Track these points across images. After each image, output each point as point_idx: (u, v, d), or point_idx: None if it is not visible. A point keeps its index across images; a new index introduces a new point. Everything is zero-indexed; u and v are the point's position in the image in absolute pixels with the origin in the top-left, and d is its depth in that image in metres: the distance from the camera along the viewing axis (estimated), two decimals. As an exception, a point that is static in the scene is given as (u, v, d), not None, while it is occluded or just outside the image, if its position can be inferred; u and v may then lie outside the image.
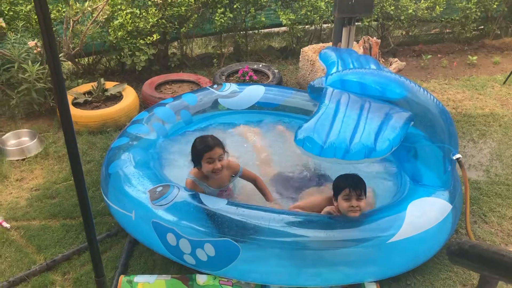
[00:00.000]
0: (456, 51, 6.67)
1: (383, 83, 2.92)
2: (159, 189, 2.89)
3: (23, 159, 4.07)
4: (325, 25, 6.66)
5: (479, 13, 6.36)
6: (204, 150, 2.91)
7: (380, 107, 2.78)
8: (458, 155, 3.02)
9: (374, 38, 4.55)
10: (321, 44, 5.42)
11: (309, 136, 2.51)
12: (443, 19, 6.52)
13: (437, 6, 6.07)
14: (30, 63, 4.36)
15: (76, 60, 5.51)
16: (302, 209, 2.88)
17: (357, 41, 4.90)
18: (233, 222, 2.65)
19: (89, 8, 4.73)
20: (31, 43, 4.47)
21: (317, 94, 3.13)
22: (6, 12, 4.83)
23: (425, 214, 2.80)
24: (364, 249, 2.61)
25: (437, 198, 2.93)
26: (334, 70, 3.26)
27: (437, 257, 2.98)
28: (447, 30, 7.08)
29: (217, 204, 2.76)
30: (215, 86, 4.34)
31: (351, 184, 2.66)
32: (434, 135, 2.97)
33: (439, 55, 6.53)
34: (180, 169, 3.45)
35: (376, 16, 6.11)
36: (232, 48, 6.44)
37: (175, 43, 6.32)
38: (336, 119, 2.66)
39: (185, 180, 3.05)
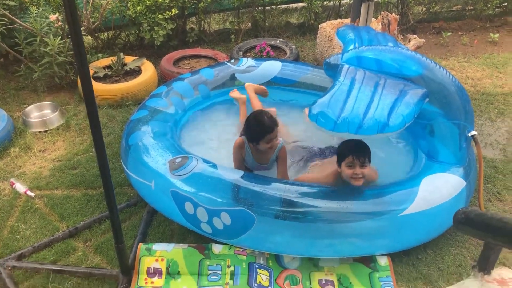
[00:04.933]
0: (478, 29, 6.55)
1: (400, 60, 2.94)
2: (178, 160, 2.97)
3: (46, 131, 4.19)
4: (344, 1, 6.59)
5: (502, -11, 6.22)
6: (265, 132, 3.01)
7: (395, 84, 2.79)
8: (473, 132, 3.03)
9: (393, 14, 4.50)
10: (339, 20, 5.38)
11: (322, 111, 2.55)
12: (465, -5, 6.39)
13: (459, -18, 5.95)
14: (51, 37, 4.44)
15: (96, 34, 5.58)
16: (308, 181, 2.93)
17: (376, 17, 4.85)
18: (248, 192, 2.73)
19: (109, -18, 4.76)
20: (52, 17, 4.54)
21: (333, 71, 3.15)
22: (27, -14, 4.90)
23: (439, 189, 2.84)
24: (376, 222, 2.67)
25: (452, 174, 2.96)
26: (351, 47, 3.26)
27: (449, 233, 3.02)
28: (469, 7, 6.93)
29: (233, 175, 2.84)
30: (232, 61, 4.37)
31: (354, 151, 2.69)
32: (450, 112, 2.98)
33: (459, 32, 6.42)
34: (199, 145, 3.58)
35: (396, -8, 6.02)
36: (250, 23, 6.42)
37: (193, 18, 6.33)
38: (350, 95, 2.69)
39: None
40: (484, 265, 1.56)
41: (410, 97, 2.71)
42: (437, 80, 2.93)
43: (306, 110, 3.96)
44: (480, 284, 1.54)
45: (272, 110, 3.85)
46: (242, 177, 2.82)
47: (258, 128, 3.03)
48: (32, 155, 3.90)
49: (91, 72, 4.72)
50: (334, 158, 3.18)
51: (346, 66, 3.00)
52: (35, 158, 3.87)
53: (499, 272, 1.55)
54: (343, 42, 3.58)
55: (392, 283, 2.70)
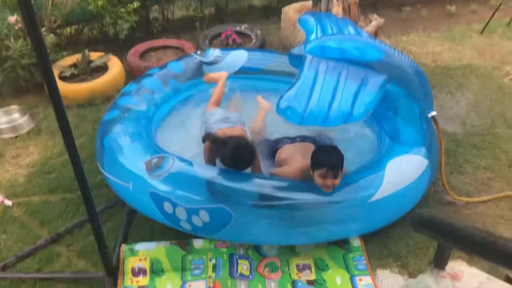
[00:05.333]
0: (436, 1, 6.71)
1: (361, 48, 3.05)
2: (155, 160, 3.03)
3: (16, 137, 4.17)
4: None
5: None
6: (241, 168, 2.97)
7: (357, 73, 2.91)
8: (433, 113, 3.18)
9: (353, -4, 4.60)
10: (300, 3, 5.44)
11: (290, 106, 2.65)
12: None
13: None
14: (12, 39, 4.37)
15: (58, 31, 5.49)
16: (281, 176, 3.03)
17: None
18: (224, 189, 2.84)
19: (67, -19, 4.69)
20: (12, 19, 4.46)
21: (297, 61, 3.24)
22: (-18, -13, 4.78)
23: (403, 171, 3.00)
24: (348, 209, 2.83)
25: (414, 155, 3.12)
26: (313, 36, 3.35)
27: (416, 209, 3.21)
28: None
29: (209, 172, 2.93)
30: (199, 52, 4.41)
31: (329, 165, 2.68)
32: (410, 94, 3.13)
33: (418, 5, 6.56)
34: (174, 137, 3.66)
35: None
36: (213, 9, 6.41)
37: (156, 6, 6.28)
38: (315, 87, 2.79)
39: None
40: (439, 262, 1.72)
41: (371, 85, 2.84)
42: (396, 64, 3.07)
43: (259, 98, 4.02)
44: (435, 280, 1.71)
45: (224, 74, 4.00)
46: (218, 173, 2.92)
47: (235, 165, 2.94)
48: (5, 162, 3.90)
49: (57, 72, 4.68)
50: (303, 144, 3.29)
51: (309, 57, 3.09)
52: (9, 165, 3.87)
53: (452, 266, 1.71)
54: (305, 30, 3.66)
55: (365, 261, 2.89)
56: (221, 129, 3.29)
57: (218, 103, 3.83)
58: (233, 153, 2.87)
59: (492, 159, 3.69)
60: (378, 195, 2.82)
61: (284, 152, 3.32)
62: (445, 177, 3.31)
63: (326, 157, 2.74)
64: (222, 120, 3.43)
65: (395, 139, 3.27)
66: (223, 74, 4.04)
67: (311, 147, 3.19)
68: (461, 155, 3.73)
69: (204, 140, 3.21)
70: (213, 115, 3.51)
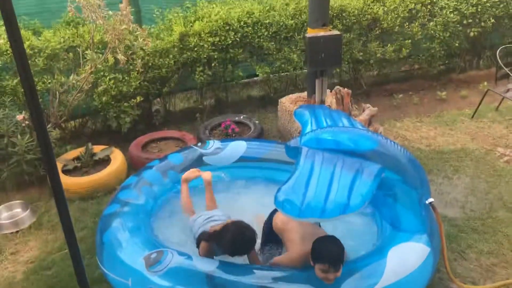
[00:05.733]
0: (426, 88, 7.02)
1: (355, 139, 3.16)
2: (154, 255, 3.03)
3: (17, 231, 4.18)
4: (299, 71, 6.96)
5: (443, 52, 6.74)
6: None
7: (352, 163, 2.99)
8: (430, 199, 3.23)
9: (345, 89, 4.82)
10: (297, 94, 5.70)
11: (288, 198, 2.70)
12: (410, 59, 6.88)
13: (403, 48, 6.44)
14: (19, 136, 4.53)
15: (63, 125, 5.69)
16: (283, 265, 3.01)
17: (331, 89, 5.17)
18: (226, 283, 2.80)
19: (74, 81, 4.95)
20: (20, 117, 4.64)
21: (293, 153, 3.34)
22: (-8, 88, 5.03)
23: (406, 259, 2.98)
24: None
25: (416, 242, 3.11)
26: (308, 128, 3.49)
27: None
28: (416, 66, 7.45)
29: (208, 266, 2.91)
30: (199, 144, 4.54)
31: (331, 261, 2.67)
32: (407, 182, 3.19)
33: (410, 93, 6.85)
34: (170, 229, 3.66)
35: (347, 62, 6.44)
36: (213, 100, 6.69)
37: (158, 99, 6.55)
38: (311, 178, 2.86)
39: None
40: None
41: (367, 174, 2.91)
42: (389, 153, 3.16)
43: (199, 173, 3.86)
44: None
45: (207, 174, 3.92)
46: (217, 267, 2.90)
47: (241, 245, 2.98)
48: (3, 259, 3.86)
49: (61, 166, 4.79)
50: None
51: (305, 149, 3.20)
52: (7, 262, 3.83)
53: None
54: (300, 123, 3.82)
55: None
56: (212, 226, 3.27)
57: (190, 210, 3.74)
58: (236, 235, 2.93)
59: (494, 244, 3.67)
60: (380, 284, 2.78)
61: (279, 219, 3.30)
62: (449, 264, 3.27)
63: (327, 253, 2.71)
64: (207, 220, 3.40)
65: (396, 226, 3.28)
66: (206, 175, 3.90)
67: (309, 224, 3.17)
68: (463, 240, 3.71)
69: (198, 244, 3.22)
70: (195, 222, 3.46)
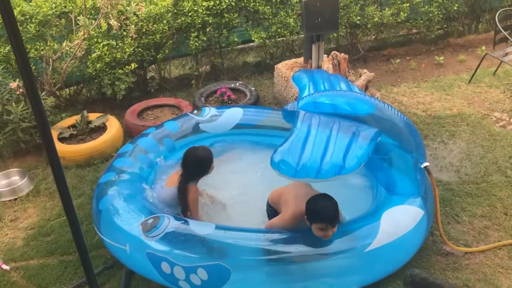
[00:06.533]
0: (424, 52, 6.95)
1: (352, 103, 3.16)
2: (150, 221, 3.06)
3: (15, 199, 4.20)
4: (295, 36, 6.87)
5: (441, 15, 6.64)
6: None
7: (348, 127, 3.00)
8: (426, 164, 3.25)
9: (342, 54, 4.77)
10: (293, 60, 5.63)
11: (283, 159, 2.72)
12: (408, 23, 6.79)
13: (401, 12, 6.34)
14: (14, 104, 4.50)
15: (57, 93, 5.64)
16: (276, 227, 3.05)
17: (328, 55, 5.12)
18: (221, 246, 2.85)
19: (67, 48, 4.87)
20: (13, 84, 4.60)
21: (290, 117, 3.34)
22: (-15, 55, 4.96)
23: (399, 221, 3.02)
24: (344, 260, 2.84)
25: (410, 205, 3.15)
26: (306, 92, 3.47)
27: (415, 261, 3.20)
28: (414, 31, 7.36)
29: (205, 230, 2.95)
30: (195, 111, 4.52)
31: (327, 219, 2.71)
32: (402, 146, 3.20)
33: (407, 57, 6.79)
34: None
35: (344, 27, 6.35)
36: (208, 67, 6.62)
37: (153, 66, 6.48)
38: (307, 141, 2.87)
39: None
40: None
41: (363, 138, 2.91)
42: (386, 118, 3.16)
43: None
44: None
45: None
46: (214, 229, 2.94)
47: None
48: (3, 225, 3.90)
49: (56, 133, 4.78)
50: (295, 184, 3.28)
51: (302, 112, 3.20)
52: (7, 228, 3.87)
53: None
54: (298, 86, 3.79)
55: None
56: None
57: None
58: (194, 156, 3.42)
59: (488, 207, 3.72)
60: (374, 245, 2.83)
61: (273, 191, 3.37)
62: (442, 227, 3.33)
63: (323, 211, 2.74)
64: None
65: (391, 190, 3.31)
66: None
67: (302, 185, 3.22)
68: (457, 204, 3.76)
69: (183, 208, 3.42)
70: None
